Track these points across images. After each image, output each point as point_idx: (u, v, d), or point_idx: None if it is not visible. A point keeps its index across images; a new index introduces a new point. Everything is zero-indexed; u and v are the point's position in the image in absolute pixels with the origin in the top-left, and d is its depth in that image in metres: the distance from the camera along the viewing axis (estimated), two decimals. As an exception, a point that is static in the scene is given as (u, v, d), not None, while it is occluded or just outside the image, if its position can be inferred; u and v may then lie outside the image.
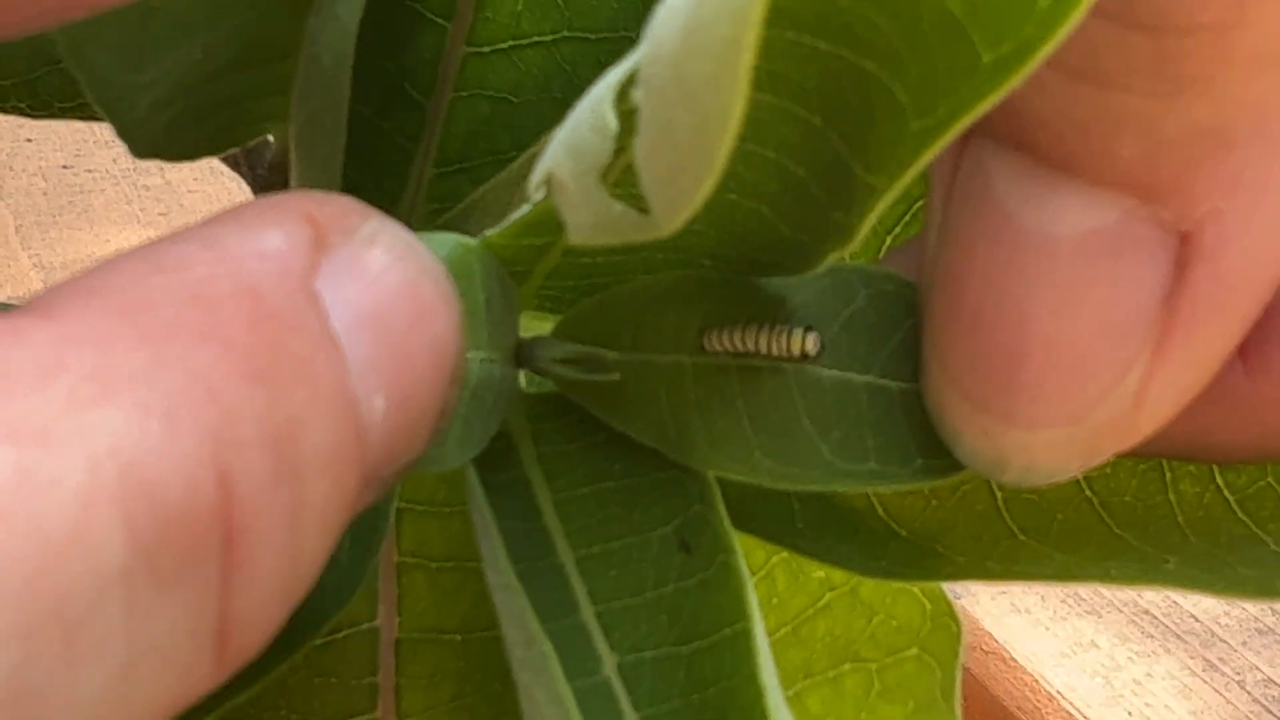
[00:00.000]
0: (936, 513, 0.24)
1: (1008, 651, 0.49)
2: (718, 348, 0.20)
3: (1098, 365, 0.17)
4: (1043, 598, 0.52)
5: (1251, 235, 0.17)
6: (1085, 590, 0.51)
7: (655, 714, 0.19)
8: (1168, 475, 0.23)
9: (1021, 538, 0.23)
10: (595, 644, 0.19)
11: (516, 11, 0.29)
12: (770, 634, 0.26)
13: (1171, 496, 0.23)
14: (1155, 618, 0.51)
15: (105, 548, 0.13)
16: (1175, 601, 0.51)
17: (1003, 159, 0.17)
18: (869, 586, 0.27)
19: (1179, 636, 0.50)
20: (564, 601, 0.20)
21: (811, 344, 0.19)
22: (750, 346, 0.20)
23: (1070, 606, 0.51)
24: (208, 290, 0.15)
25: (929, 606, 0.27)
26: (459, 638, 0.27)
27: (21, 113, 0.29)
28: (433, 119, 0.29)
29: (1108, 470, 0.24)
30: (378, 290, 0.16)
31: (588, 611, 0.20)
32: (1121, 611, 0.51)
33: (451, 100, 0.29)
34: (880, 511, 0.24)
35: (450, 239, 0.20)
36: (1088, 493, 0.23)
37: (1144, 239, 0.17)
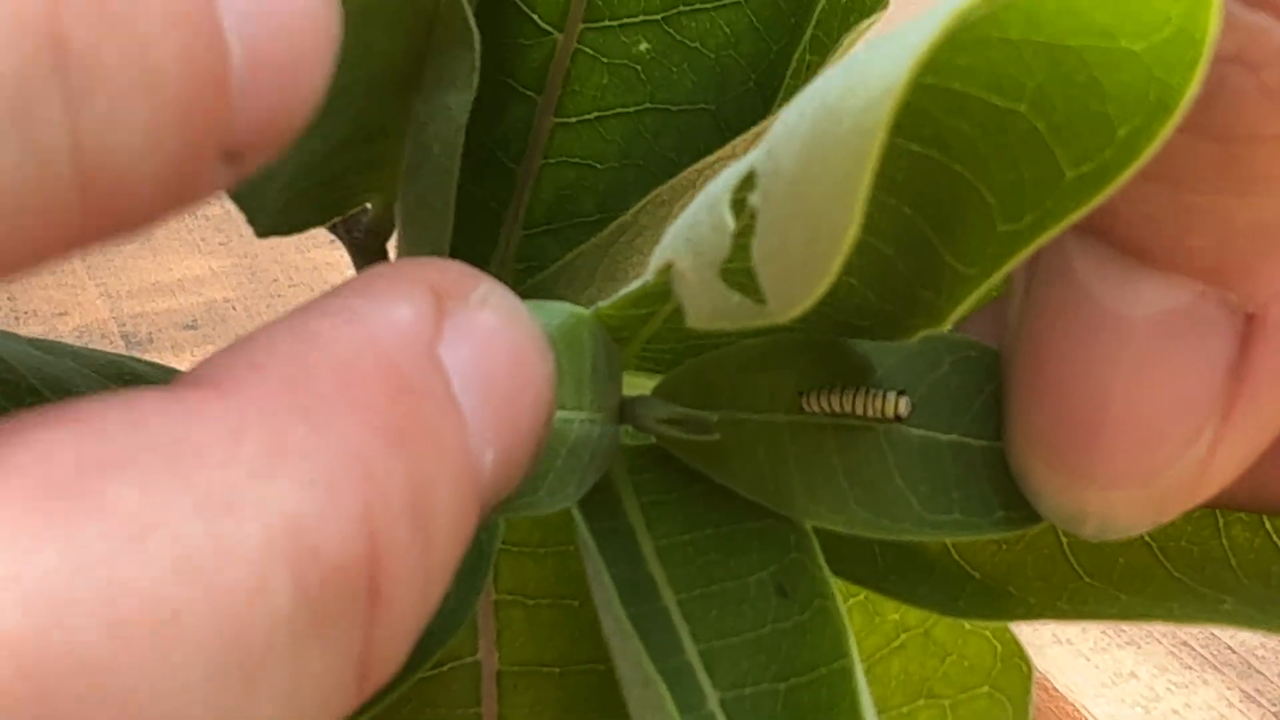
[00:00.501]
0: (1006, 556, 0.26)
1: (1050, 682, 0.50)
2: (814, 409, 0.22)
3: (1169, 432, 0.19)
4: (1084, 629, 0.53)
5: None
6: (1126, 624, 0.52)
7: None
8: (1220, 521, 0.25)
9: (1087, 579, 0.25)
10: (700, 681, 0.21)
11: (602, 85, 0.31)
12: None
13: (1224, 541, 0.25)
14: (1194, 649, 0.52)
15: (278, 601, 0.14)
16: (1214, 634, 0.52)
17: (1084, 244, 0.19)
18: (942, 628, 0.28)
19: (1217, 668, 0.51)
20: (669, 643, 0.22)
21: (904, 407, 0.21)
22: (846, 408, 0.21)
23: (1110, 638, 0.53)
24: (354, 365, 0.16)
25: (999, 648, 0.28)
26: (558, 670, 0.29)
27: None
28: (522, 184, 0.31)
29: (1162, 516, 0.25)
30: (490, 352, 0.18)
31: (691, 651, 0.22)
32: (1161, 643, 0.52)
33: (540, 167, 0.31)
34: (955, 556, 0.26)
35: (564, 309, 0.22)
36: (1146, 538, 0.25)
37: (1213, 319, 0.19)
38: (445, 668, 0.30)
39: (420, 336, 0.17)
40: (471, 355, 0.18)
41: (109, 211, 0.14)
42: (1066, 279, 0.19)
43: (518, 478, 0.19)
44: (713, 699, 0.21)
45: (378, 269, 0.19)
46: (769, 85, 0.30)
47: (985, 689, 0.28)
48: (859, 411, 0.21)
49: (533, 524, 0.30)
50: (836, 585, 0.27)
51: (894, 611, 0.28)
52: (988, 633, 0.28)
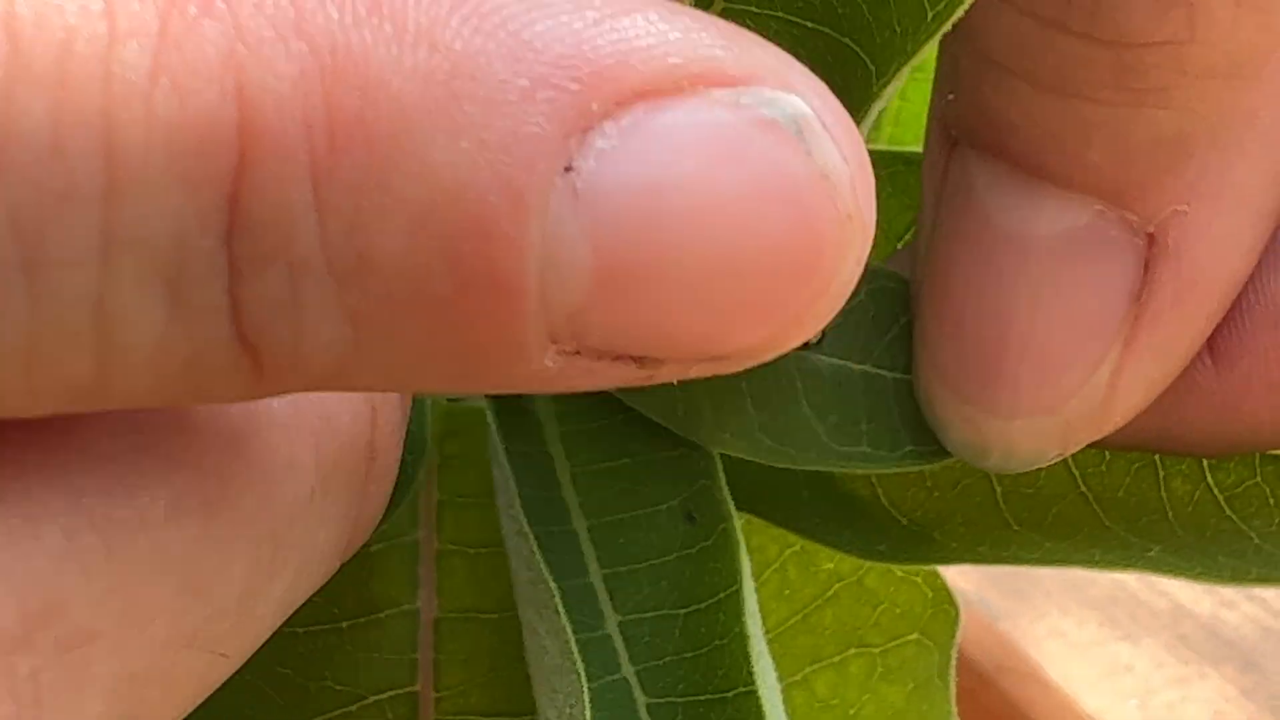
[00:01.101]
0: (937, 503, 0.25)
1: (1044, 675, 0.49)
2: None
3: (1071, 359, 0.19)
4: (1080, 622, 0.52)
5: (1212, 235, 0.18)
6: (1122, 615, 0.51)
7: (650, 668, 0.20)
8: (1160, 473, 0.25)
9: (1015, 528, 0.25)
10: (601, 603, 0.21)
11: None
12: (782, 622, 0.28)
13: (1163, 493, 0.24)
14: (1192, 643, 0.51)
15: (303, 477, 0.16)
16: (1213, 630, 0.51)
17: (983, 165, 0.19)
18: (874, 575, 0.28)
19: (1214, 662, 0.50)
20: (575, 564, 0.21)
21: None
22: None
23: (1107, 631, 0.52)
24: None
25: (930, 594, 0.28)
26: (495, 616, 0.29)
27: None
28: None
29: (1103, 467, 0.25)
30: None
31: (595, 575, 0.21)
32: (1158, 637, 0.51)
33: None
34: (884, 501, 0.25)
35: None
36: (1082, 488, 0.25)
37: (1113, 240, 0.18)
38: (383, 614, 0.30)
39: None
40: None
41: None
42: (967, 200, 0.19)
43: None
44: (611, 621, 0.21)
45: None
46: None
47: (914, 635, 0.28)
48: None
49: (479, 475, 0.30)
50: (774, 536, 0.27)
51: (829, 561, 0.28)
52: (919, 579, 0.28)
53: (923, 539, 0.25)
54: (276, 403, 0.15)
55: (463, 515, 0.30)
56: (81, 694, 0.14)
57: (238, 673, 0.28)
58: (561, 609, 0.19)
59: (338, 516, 0.17)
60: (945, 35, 0.18)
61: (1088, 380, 0.19)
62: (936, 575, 0.28)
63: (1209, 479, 0.24)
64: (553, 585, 0.20)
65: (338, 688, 0.29)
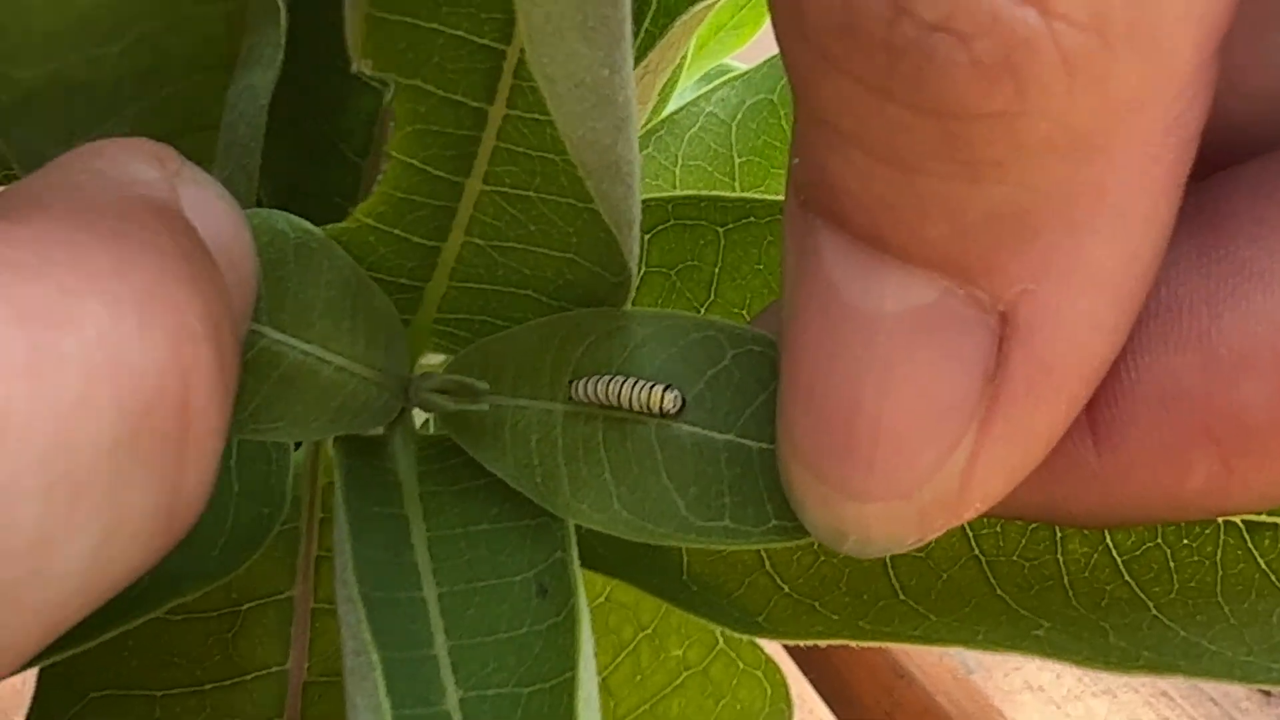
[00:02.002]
0: (823, 569, 0.24)
1: None
2: (584, 398, 0.20)
3: (923, 442, 0.18)
4: (1058, 675, 0.51)
5: (1067, 317, 0.17)
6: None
7: None
8: (1057, 534, 0.24)
9: (902, 596, 0.23)
10: (443, 677, 0.20)
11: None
12: (632, 710, 0.27)
13: (1060, 556, 0.23)
14: (1173, 699, 0.50)
15: (102, 422, 0.15)
16: (1195, 685, 0.50)
17: (829, 234, 0.17)
18: (719, 666, 0.28)
19: (1195, 719, 0.49)
20: (420, 634, 0.20)
21: (670, 402, 0.20)
22: (613, 399, 0.20)
23: (1085, 685, 0.51)
24: (130, 210, 0.17)
25: (769, 690, 0.28)
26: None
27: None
28: (368, 176, 0.30)
29: (998, 529, 0.24)
30: (213, 210, 0.19)
31: (441, 646, 0.20)
32: (1138, 693, 0.50)
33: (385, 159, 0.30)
34: (768, 566, 0.24)
35: (286, 219, 0.21)
36: (975, 551, 0.24)
37: (963, 318, 0.17)
38: (249, 677, 0.28)
39: (169, 195, 0.18)
40: (202, 209, 0.19)
41: None
42: (817, 269, 0.18)
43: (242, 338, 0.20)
44: (452, 697, 0.20)
45: (92, 145, 0.19)
46: None
47: None
48: (626, 404, 0.20)
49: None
50: (629, 617, 0.26)
51: (678, 647, 0.27)
52: (760, 673, 0.28)
53: (804, 608, 0.23)
54: (68, 340, 0.15)
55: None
56: None
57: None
58: (381, 682, 0.18)
59: (151, 483, 0.16)
60: (792, 94, 0.17)
61: (943, 465, 0.18)
62: (777, 670, 0.28)
63: (1108, 539, 0.24)
64: (375, 658, 0.18)
65: (226, 667, 0.28)
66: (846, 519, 0.18)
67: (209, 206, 0.19)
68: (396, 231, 0.22)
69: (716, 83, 0.35)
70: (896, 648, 0.51)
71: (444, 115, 0.21)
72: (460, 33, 0.21)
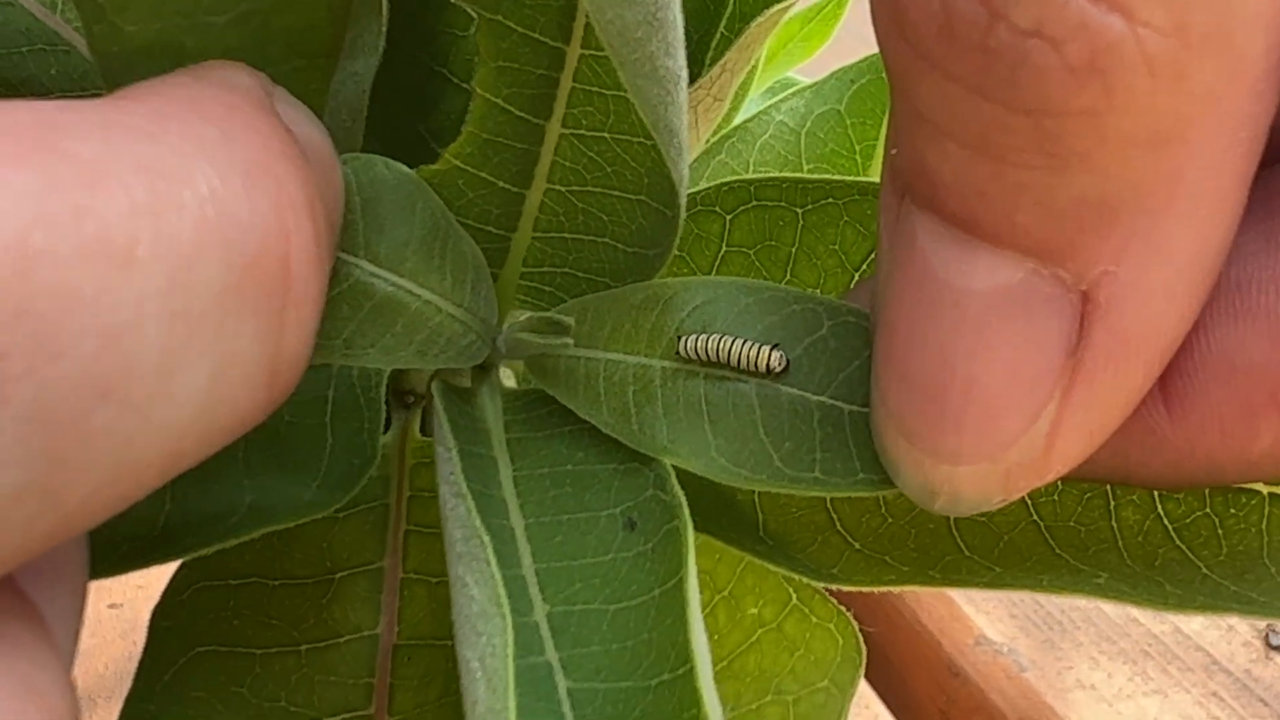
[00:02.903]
0: (891, 529, 0.25)
1: None
2: (691, 354, 0.22)
3: (1010, 409, 0.19)
4: (1110, 675, 0.51)
5: (1144, 296, 0.18)
6: (1154, 669, 0.51)
7: (574, 655, 0.20)
8: (1111, 504, 0.25)
9: (967, 553, 0.24)
10: (530, 593, 0.21)
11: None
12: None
13: (1114, 523, 0.25)
14: (1224, 700, 0.50)
15: (214, 268, 0.16)
16: (1245, 685, 0.50)
17: (924, 219, 0.19)
18: (793, 621, 0.29)
19: (1246, 718, 0.50)
20: (509, 556, 0.22)
21: (777, 361, 0.21)
22: (722, 357, 0.22)
23: (1137, 684, 0.51)
24: (234, 103, 0.19)
25: (840, 641, 0.29)
26: (450, 644, 0.29)
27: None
28: None
29: (1055, 496, 0.25)
30: (305, 121, 0.21)
31: (528, 568, 0.22)
32: (1189, 693, 0.50)
33: None
34: (839, 526, 0.25)
35: (387, 162, 0.23)
36: (1034, 517, 0.25)
37: (1047, 296, 0.18)
38: (343, 639, 0.30)
39: (264, 96, 0.20)
40: (293, 118, 0.20)
41: None
42: (911, 250, 0.19)
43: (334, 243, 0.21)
44: (540, 611, 0.21)
45: (190, 67, 0.21)
46: (691, 67, 0.30)
47: (824, 683, 0.29)
48: (734, 362, 0.21)
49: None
50: (706, 581, 0.28)
51: (753, 606, 0.28)
52: (832, 625, 0.29)
53: (875, 562, 0.25)
54: (185, 192, 0.16)
55: (427, 545, 0.30)
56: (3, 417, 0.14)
57: (191, 688, 0.28)
58: (491, 556, 0.20)
59: (256, 333, 0.18)
60: (891, 90, 0.18)
61: (1027, 430, 0.19)
62: (848, 622, 0.29)
63: (1159, 509, 0.24)
64: (485, 538, 0.20)
65: (292, 709, 0.29)
66: (938, 479, 0.20)
67: (300, 119, 0.20)
68: (483, 175, 0.24)
69: (786, 93, 0.37)
70: (950, 646, 0.51)
71: (524, 53, 0.23)
72: None
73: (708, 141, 0.36)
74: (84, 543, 0.20)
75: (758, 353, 0.21)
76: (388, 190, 0.22)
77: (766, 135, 0.36)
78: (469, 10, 0.23)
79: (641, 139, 0.23)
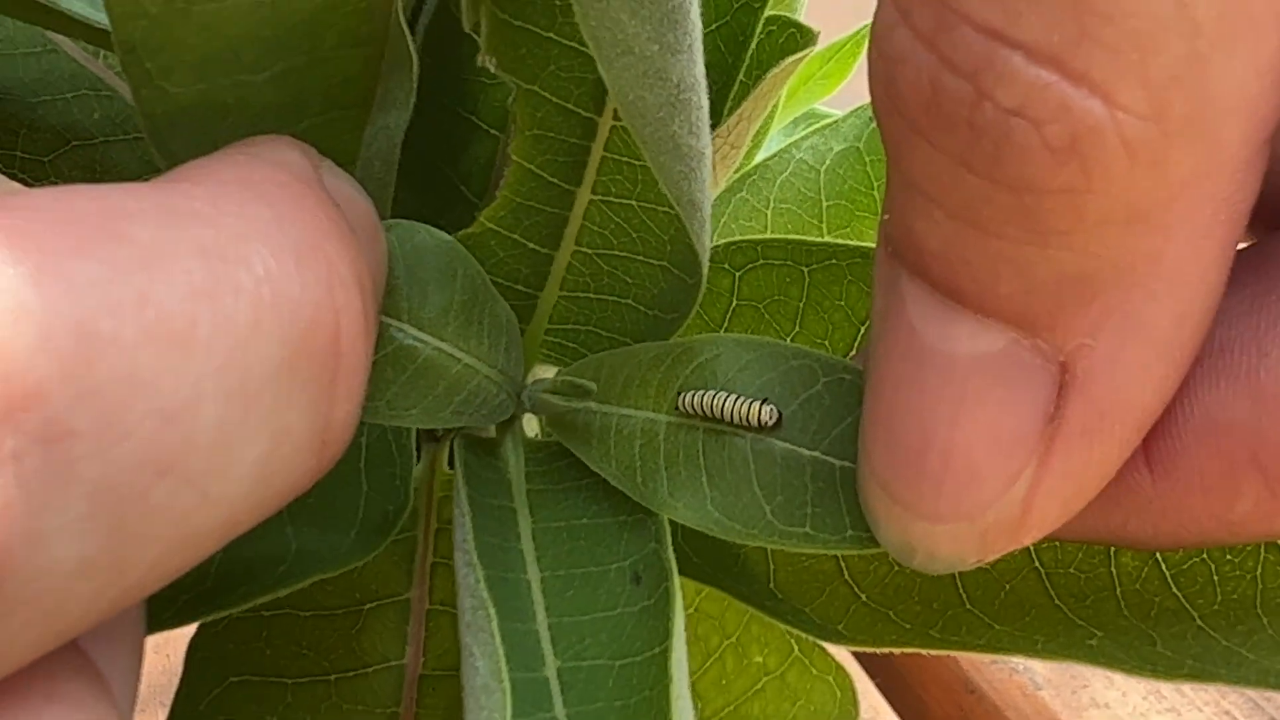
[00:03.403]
0: (897, 579, 0.26)
1: None
2: (689, 409, 0.23)
3: (988, 472, 0.19)
4: (1124, 694, 0.52)
5: (1120, 369, 0.19)
6: (1167, 689, 0.51)
7: (581, 712, 0.21)
8: (1111, 549, 0.25)
9: (969, 606, 0.25)
10: (543, 649, 0.22)
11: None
12: (717, 712, 0.29)
13: (1113, 569, 0.25)
14: (1237, 717, 0.51)
15: (269, 346, 0.17)
16: (1258, 704, 0.51)
17: (912, 283, 0.20)
18: (795, 672, 0.30)
19: None
20: (524, 610, 0.23)
21: (768, 415, 0.22)
22: (717, 412, 0.22)
23: (1151, 703, 0.51)
24: (285, 182, 0.20)
25: (839, 694, 0.30)
26: None
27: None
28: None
29: (1057, 544, 0.26)
30: (351, 194, 0.22)
31: (542, 622, 0.22)
32: (1201, 712, 0.51)
33: None
34: (846, 575, 0.26)
35: (426, 230, 0.24)
36: (1036, 563, 0.26)
37: (1027, 366, 0.19)
38: (371, 669, 0.31)
39: (312, 171, 0.21)
40: (340, 192, 0.21)
41: None
42: (900, 315, 0.20)
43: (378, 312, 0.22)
44: (551, 666, 0.22)
45: (246, 140, 0.22)
46: (711, 113, 0.31)
47: None
48: (728, 417, 0.22)
49: None
50: (715, 626, 0.29)
51: (759, 654, 0.29)
52: (830, 678, 0.30)
53: (879, 617, 0.25)
54: (242, 274, 0.17)
55: (454, 577, 0.31)
56: (65, 490, 0.15)
57: (225, 716, 0.30)
58: (496, 630, 0.21)
59: (308, 406, 0.18)
60: (886, 158, 0.19)
61: (1004, 493, 0.20)
62: (845, 675, 0.30)
63: (1158, 554, 0.25)
64: (491, 610, 0.21)
65: (350, 655, 0.30)
66: (915, 537, 0.20)
67: (346, 191, 0.21)
68: (515, 236, 0.25)
69: (806, 130, 0.38)
70: (967, 664, 0.52)
71: (558, 122, 0.23)
72: (574, 44, 0.23)
73: (729, 180, 0.37)
74: (141, 604, 0.21)
75: (749, 408, 0.22)
76: (429, 256, 0.23)
77: (787, 173, 0.37)
78: (509, 81, 0.24)
79: (666, 208, 0.23)
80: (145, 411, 0.16)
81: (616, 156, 0.23)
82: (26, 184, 0.32)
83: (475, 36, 0.25)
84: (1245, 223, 0.18)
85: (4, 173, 0.31)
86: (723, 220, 0.38)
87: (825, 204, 0.37)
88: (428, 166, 0.31)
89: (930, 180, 0.18)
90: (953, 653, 0.25)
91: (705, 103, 0.21)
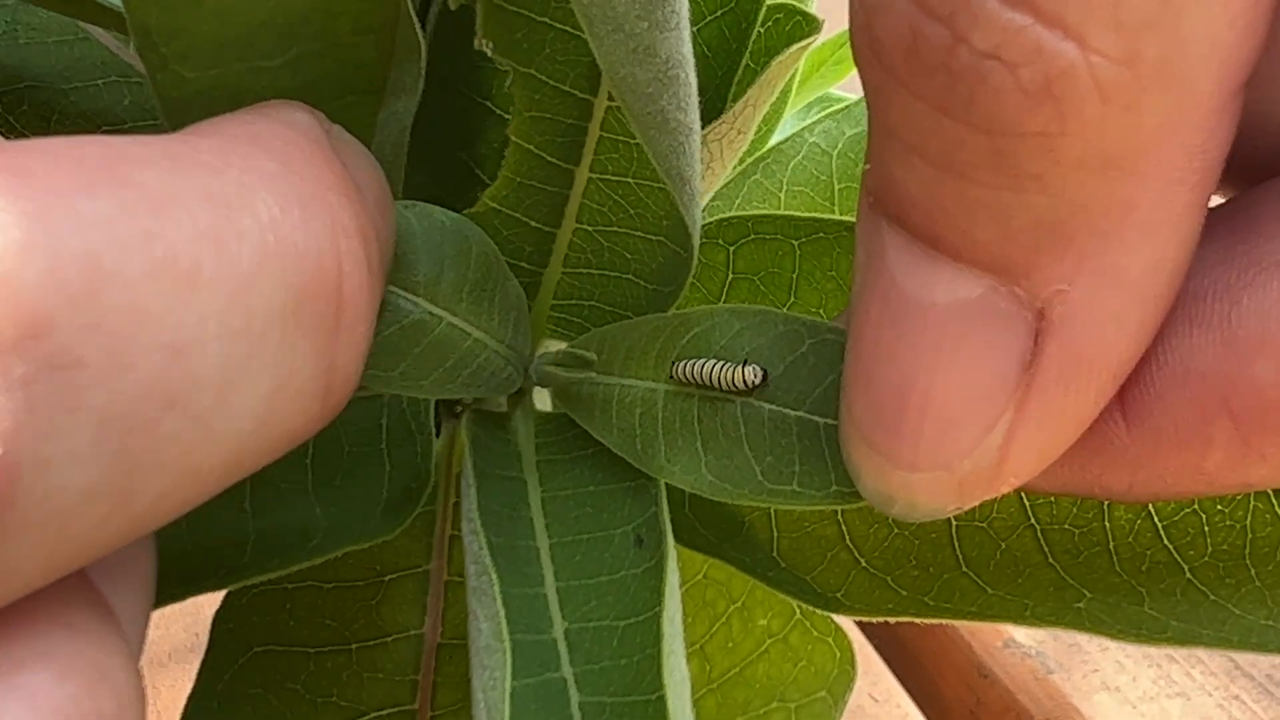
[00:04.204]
0: (896, 541, 0.27)
1: None
2: (681, 377, 0.24)
3: (966, 420, 0.20)
4: (1134, 678, 0.52)
5: (1095, 316, 0.19)
6: (1176, 673, 0.51)
7: (587, 671, 0.22)
8: (1105, 504, 0.26)
9: (964, 569, 0.26)
10: (551, 612, 0.23)
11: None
12: (724, 673, 0.30)
13: (1107, 523, 0.26)
14: (1244, 703, 0.51)
15: (272, 290, 0.18)
16: (1266, 688, 0.51)
17: (892, 233, 0.20)
18: (797, 634, 0.31)
19: None
20: (533, 575, 0.23)
21: (752, 375, 0.23)
22: (705, 378, 0.23)
23: (1160, 687, 0.51)
24: (292, 138, 0.20)
25: (838, 654, 0.31)
26: None
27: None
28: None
29: (1051, 499, 0.26)
30: (357, 154, 0.22)
31: (550, 586, 0.23)
32: (1211, 695, 0.51)
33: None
34: (848, 540, 0.27)
35: (446, 213, 0.25)
36: (1031, 520, 0.26)
37: (1004, 312, 0.19)
38: (391, 639, 0.32)
39: (320, 132, 0.21)
40: (348, 153, 0.22)
41: None
42: (880, 264, 0.20)
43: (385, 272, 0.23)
44: (559, 628, 0.23)
45: (254, 105, 0.22)
46: (715, 102, 0.32)
47: (822, 694, 0.31)
48: (716, 383, 0.23)
49: None
50: (722, 592, 0.30)
51: (763, 618, 0.30)
52: (830, 640, 0.31)
53: (878, 583, 0.26)
54: (246, 219, 0.18)
55: None
56: (72, 417, 0.16)
57: (250, 685, 0.31)
58: (498, 594, 0.21)
59: (311, 351, 0.19)
60: (866, 108, 0.19)
61: (981, 441, 0.20)
62: (844, 637, 0.31)
63: (1150, 507, 0.26)
64: (494, 575, 0.22)
65: (342, 704, 0.31)
66: (895, 486, 0.21)
67: (354, 153, 0.22)
68: (517, 215, 0.25)
69: (819, 115, 0.38)
70: (980, 648, 0.53)
71: (555, 104, 0.24)
72: (568, 28, 0.24)
73: (742, 163, 0.38)
74: (152, 544, 0.21)
75: (734, 372, 0.23)
76: (445, 235, 0.24)
77: (800, 156, 0.38)
78: (505, 65, 0.24)
79: (660, 184, 0.24)
80: (150, 345, 0.16)
81: (612, 136, 0.24)
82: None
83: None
84: (1219, 172, 0.18)
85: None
86: (737, 202, 0.38)
87: (837, 186, 0.38)
88: (444, 151, 0.32)
89: (909, 127, 0.18)
90: (945, 621, 0.26)
91: (693, 79, 0.22)
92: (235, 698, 0.30)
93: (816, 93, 0.45)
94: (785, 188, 0.38)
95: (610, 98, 0.24)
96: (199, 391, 0.17)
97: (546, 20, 0.23)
